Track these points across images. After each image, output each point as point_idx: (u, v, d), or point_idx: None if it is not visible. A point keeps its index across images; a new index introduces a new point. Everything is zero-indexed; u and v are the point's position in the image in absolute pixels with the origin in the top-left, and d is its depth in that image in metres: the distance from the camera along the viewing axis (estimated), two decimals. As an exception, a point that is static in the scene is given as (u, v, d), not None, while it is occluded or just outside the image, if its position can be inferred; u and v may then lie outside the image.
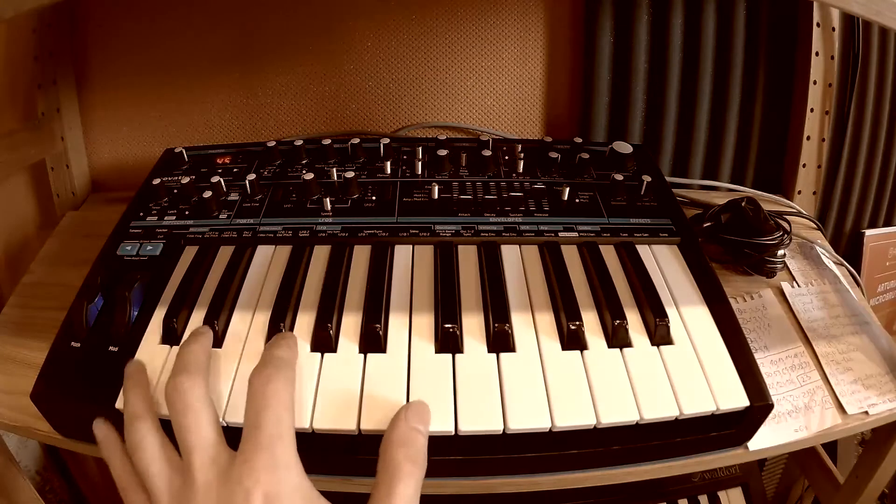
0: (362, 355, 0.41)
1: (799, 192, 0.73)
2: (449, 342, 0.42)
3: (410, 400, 0.38)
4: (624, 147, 0.61)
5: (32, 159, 0.68)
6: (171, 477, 0.32)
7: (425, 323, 0.44)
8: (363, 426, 0.37)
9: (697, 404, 0.39)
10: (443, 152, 0.59)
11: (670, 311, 0.44)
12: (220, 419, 0.37)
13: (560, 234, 0.52)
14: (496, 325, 0.42)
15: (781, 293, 0.57)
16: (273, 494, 0.29)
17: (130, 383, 0.37)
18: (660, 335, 0.43)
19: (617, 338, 0.43)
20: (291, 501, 0.29)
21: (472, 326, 0.43)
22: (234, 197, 0.55)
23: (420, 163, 0.60)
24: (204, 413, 0.33)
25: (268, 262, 0.49)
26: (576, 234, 0.52)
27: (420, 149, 0.61)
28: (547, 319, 0.44)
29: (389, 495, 0.30)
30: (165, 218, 0.53)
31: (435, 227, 0.52)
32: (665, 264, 0.50)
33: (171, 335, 0.42)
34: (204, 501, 0.30)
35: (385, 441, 0.33)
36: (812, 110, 0.69)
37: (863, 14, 0.37)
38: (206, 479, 0.30)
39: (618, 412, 0.38)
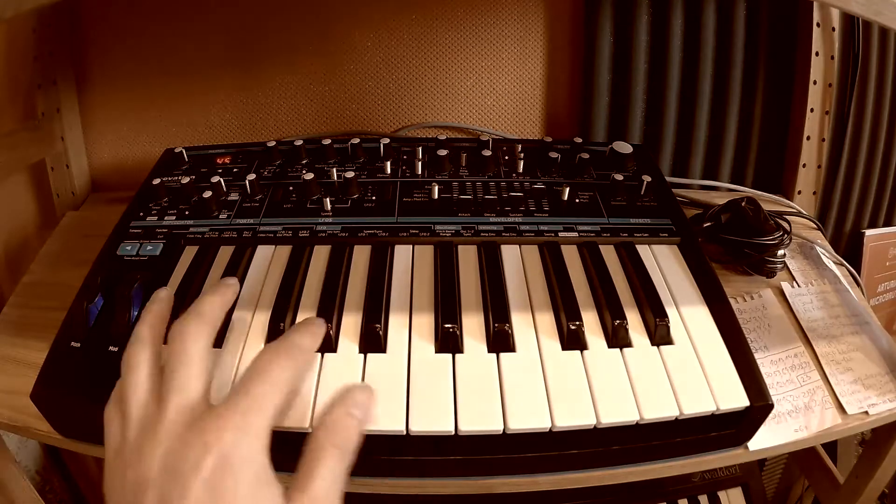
0: (362, 355, 0.41)
1: (799, 192, 0.73)
2: (449, 342, 0.42)
3: (410, 399, 0.38)
4: (624, 147, 0.61)
5: (32, 159, 0.68)
6: (146, 406, 0.31)
7: (425, 323, 0.44)
8: (363, 426, 0.37)
9: (697, 404, 0.39)
10: (443, 152, 0.59)
11: (670, 311, 0.44)
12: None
13: (560, 234, 0.52)
14: (496, 325, 0.42)
15: (781, 293, 0.57)
16: (227, 456, 0.28)
17: (153, 308, 0.37)
18: (660, 335, 0.43)
19: (617, 338, 0.43)
20: (242, 471, 0.28)
21: (472, 326, 0.43)
22: (234, 197, 0.55)
23: (420, 163, 0.60)
24: (198, 362, 0.33)
25: (268, 262, 0.49)
26: (576, 234, 0.52)
27: (420, 149, 0.61)
28: (547, 319, 0.44)
29: (308, 477, 0.30)
30: (165, 218, 0.53)
31: (435, 227, 0.52)
32: (665, 264, 0.50)
33: (171, 335, 0.42)
34: (163, 440, 0.29)
35: (316, 422, 0.33)
36: (812, 110, 0.69)
37: (863, 14, 0.37)
38: (175, 419, 0.30)
39: (618, 412, 0.38)
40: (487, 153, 0.60)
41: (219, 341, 0.42)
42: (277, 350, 0.33)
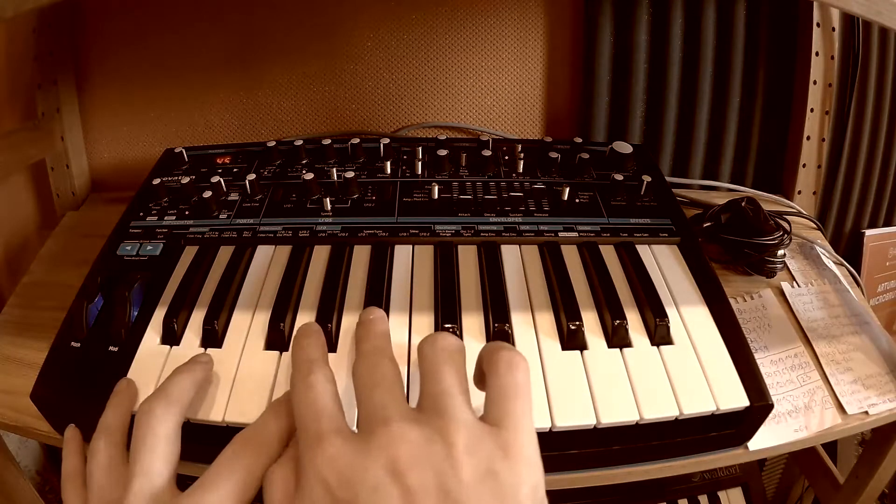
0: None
1: (799, 192, 0.73)
2: (449, 342, 0.42)
3: (409, 401, 0.38)
4: (624, 147, 0.61)
5: (32, 159, 0.68)
6: (108, 490, 0.32)
7: (425, 323, 0.44)
8: (363, 426, 0.37)
9: (697, 404, 0.39)
10: (443, 152, 0.59)
11: (670, 311, 0.44)
12: (221, 418, 0.37)
13: (560, 234, 0.52)
14: (496, 325, 0.42)
15: (781, 293, 0.57)
16: None
17: (115, 399, 0.37)
18: (660, 335, 0.43)
19: (617, 338, 0.43)
20: None
21: (472, 326, 0.43)
22: (234, 197, 0.55)
23: (420, 163, 0.60)
24: (162, 446, 0.32)
25: (268, 262, 0.49)
26: (576, 234, 0.52)
27: (420, 149, 0.61)
28: (547, 319, 0.44)
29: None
30: (165, 218, 0.53)
31: (435, 227, 0.52)
32: (665, 264, 0.50)
33: (170, 335, 0.42)
34: None
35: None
36: (812, 110, 0.69)
37: (863, 14, 0.37)
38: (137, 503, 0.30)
39: (618, 412, 0.38)
40: (487, 153, 0.60)
41: (218, 343, 0.42)
42: (245, 441, 0.31)
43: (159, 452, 0.32)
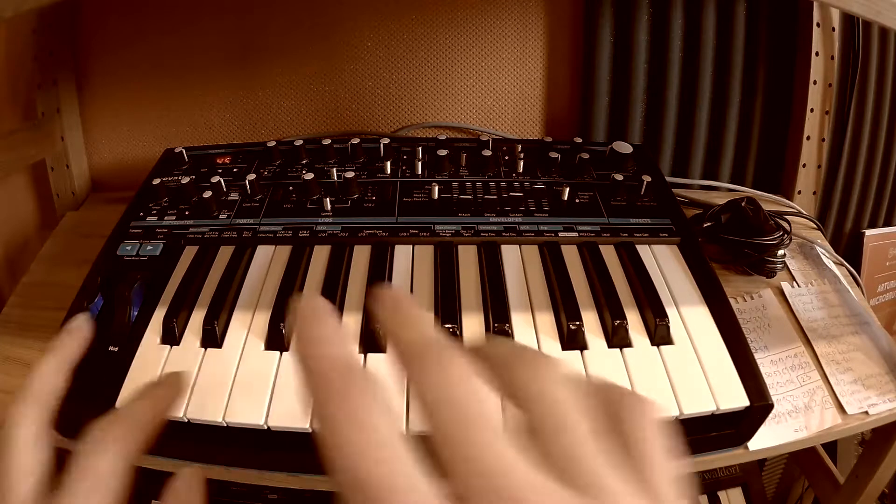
0: (362, 355, 0.41)
1: (799, 192, 0.73)
2: (449, 342, 0.42)
3: (410, 400, 0.38)
4: (624, 147, 0.61)
5: (32, 159, 0.68)
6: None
7: (425, 323, 0.44)
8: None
9: (697, 404, 0.39)
10: (443, 152, 0.59)
11: (670, 311, 0.44)
12: (221, 419, 0.37)
13: (560, 234, 0.52)
14: (496, 324, 0.42)
15: (781, 293, 0.57)
16: None
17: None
18: (660, 335, 0.43)
19: (617, 338, 0.43)
20: None
21: (472, 326, 0.43)
22: (234, 197, 0.55)
23: (420, 163, 0.60)
24: (23, 458, 0.24)
25: (268, 261, 0.49)
26: (576, 234, 0.52)
27: (420, 149, 0.61)
28: (547, 319, 0.44)
29: None
30: (165, 218, 0.53)
31: (435, 227, 0.52)
32: (665, 264, 0.50)
33: (170, 335, 0.42)
34: None
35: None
36: (812, 110, 0.69)
37: (863, 14, 0.37)
38: None
39: (618, 412, 0.38)
40: (487, 153, 0.60)
41: (218, 343, 0.42)
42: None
43: (22, 463, 0.24)
